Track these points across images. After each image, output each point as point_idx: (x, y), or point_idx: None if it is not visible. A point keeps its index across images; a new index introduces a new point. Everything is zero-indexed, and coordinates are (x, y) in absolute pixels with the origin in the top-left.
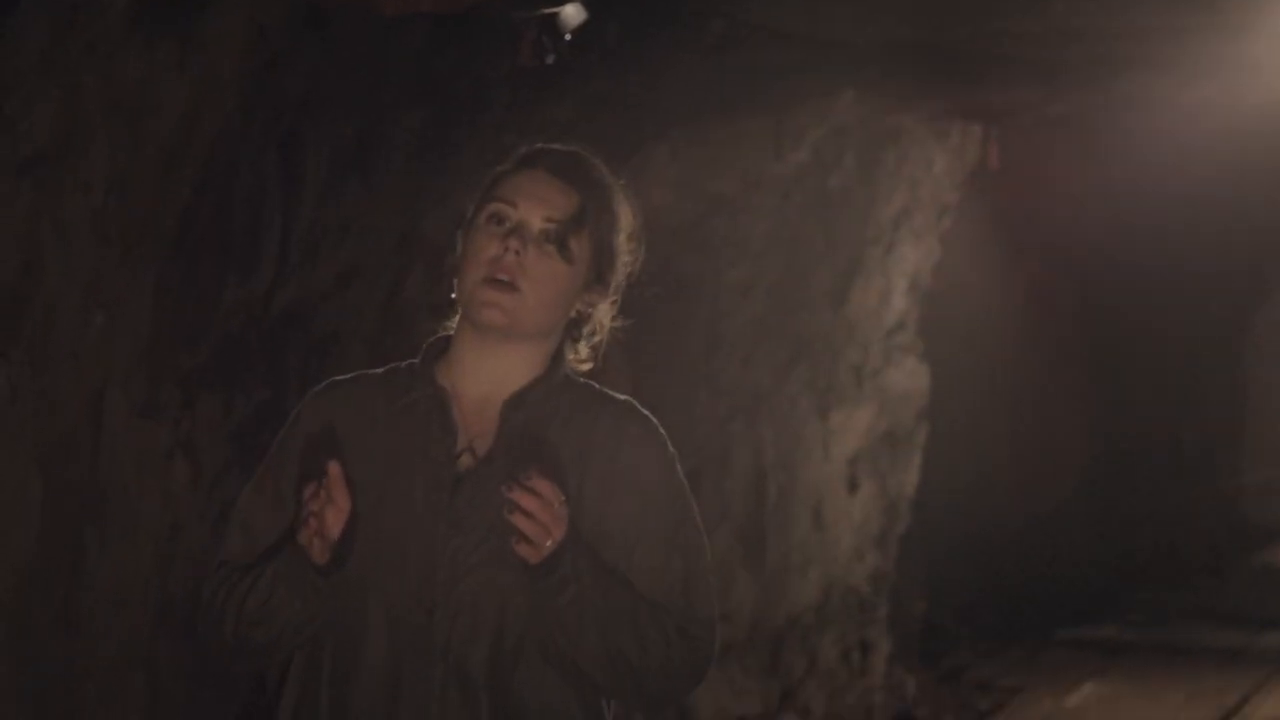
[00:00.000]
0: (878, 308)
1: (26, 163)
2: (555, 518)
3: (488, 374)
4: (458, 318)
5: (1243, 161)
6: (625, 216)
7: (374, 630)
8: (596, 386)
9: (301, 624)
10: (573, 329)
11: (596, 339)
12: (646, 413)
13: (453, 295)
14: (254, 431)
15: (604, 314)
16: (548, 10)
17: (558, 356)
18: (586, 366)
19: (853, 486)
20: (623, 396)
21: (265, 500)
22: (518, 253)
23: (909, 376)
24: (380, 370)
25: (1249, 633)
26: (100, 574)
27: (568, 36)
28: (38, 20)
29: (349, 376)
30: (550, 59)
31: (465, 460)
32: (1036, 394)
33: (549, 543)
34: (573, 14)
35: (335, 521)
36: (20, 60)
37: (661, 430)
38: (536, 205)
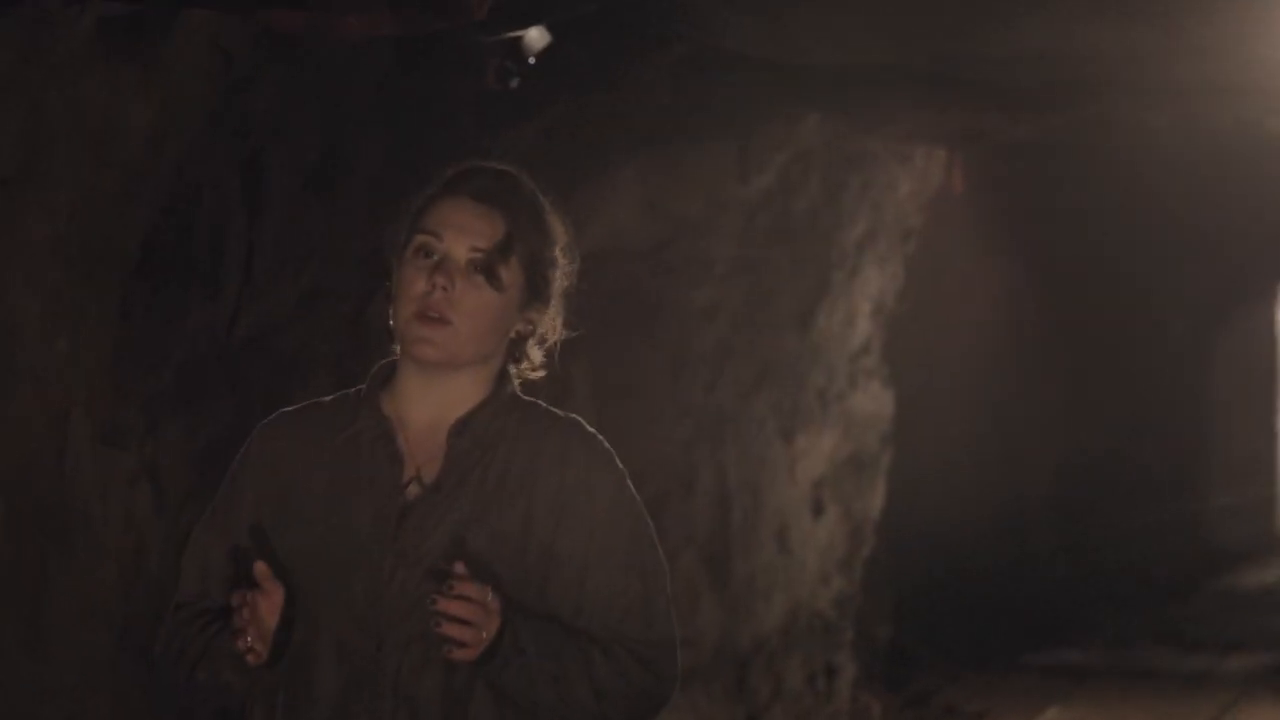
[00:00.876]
0: (842, 331)
1: None
2: (487, 614)
3: (433, 401)
4: (398, 346)
5: (1205, 184)
6: (556, 231)
7: (325, 662)
8: (543, 405)
9: (248, 690)
10: (515, 348)
11: (549, 343)
12: (593, 431)
13: (390, 324)
14: (219, 455)
15: (550, 322)
16: (512, 34)
17: (502, 377)
18: (540, 374)
19: (818, 510)
20: (569, 415)
21: (217, 536)
22: (445, 289)
23: (873, 400)
24: (330, 399)
25: (1215, 656)
26: (64, 596)
27: (532, 60)
28: (0, 42)
29: (298, 407)
30: (515, 82)
31: (413, 489)
32: (1002, 418)
33: (484, 636)
34: (536, 37)
35: (270, 614)
36: None
37: (608, 447)
38: (461, 236)
